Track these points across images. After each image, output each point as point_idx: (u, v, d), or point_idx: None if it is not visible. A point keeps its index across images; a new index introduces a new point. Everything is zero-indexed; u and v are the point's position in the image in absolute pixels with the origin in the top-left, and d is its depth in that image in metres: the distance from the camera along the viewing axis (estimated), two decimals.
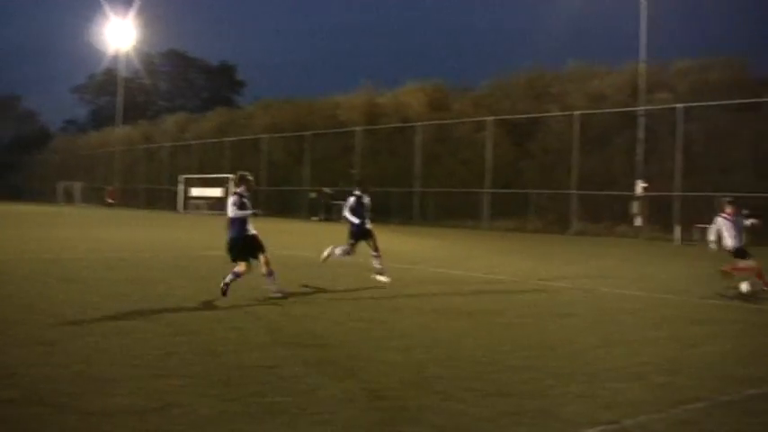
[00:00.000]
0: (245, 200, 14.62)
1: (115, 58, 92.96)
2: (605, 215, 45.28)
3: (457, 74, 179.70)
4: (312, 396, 7.63)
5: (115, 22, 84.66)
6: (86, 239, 28.95)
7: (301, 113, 67.40)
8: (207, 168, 70.94)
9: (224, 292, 13.97)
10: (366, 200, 18.05)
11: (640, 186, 42.11)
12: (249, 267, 14.34)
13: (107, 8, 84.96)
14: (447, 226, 49.09)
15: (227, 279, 14.12)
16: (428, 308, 13.81)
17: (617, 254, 29.93)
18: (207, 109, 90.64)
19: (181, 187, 72.22)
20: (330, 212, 56.31)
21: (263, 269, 14.46)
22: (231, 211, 14.45)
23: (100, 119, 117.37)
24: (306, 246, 28.59)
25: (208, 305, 13.39)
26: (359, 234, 17.91)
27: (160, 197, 79.60)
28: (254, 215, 14.81)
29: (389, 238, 33.69)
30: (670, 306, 15.28)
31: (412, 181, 54.05)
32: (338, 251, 18.26)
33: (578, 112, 46.27)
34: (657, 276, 21.53)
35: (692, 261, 27.03)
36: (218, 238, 32.33)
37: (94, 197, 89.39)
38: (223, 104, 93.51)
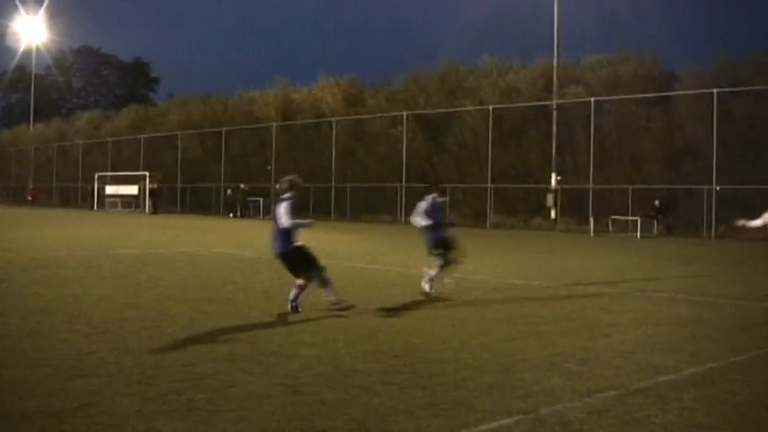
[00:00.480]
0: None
1: (27, 54, 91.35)
2: (521, 208, 45.83)
3: (371, 69, 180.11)
4: (229, 392, 7.64)
5: (26, 17, 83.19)
6: None
7: (217, 110, 67.03)
8: (122, 166, 70.23)
9: (294, 309, 12.69)
10: (441, 202, 15.87)
11: (555, 179, 42.64)
12: (310, 279, 12.90)
13: (17, 3, 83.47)
14: (364, 221, 49.24)
15: (292, 296, 12.83)
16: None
17: (532, 246, 30.31)
18: (121, 106, 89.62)
19: (96, 185, 71.25)
20: (247, 209, 56.12)
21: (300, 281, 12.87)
22: (286, 220, 12.70)
23: (12, 116, 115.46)
24: (226, 243, 28.47)
25: (125, 304, 13.26)
26: (440, 241, 15.33)
27: (75, 195, 78.52)
28: (309, 226, 13.33)
29: (306, 235, 33.68)
30: (584, 297, 15.52)
31: (328, 176, 54.04)
32: (433, 272, 15.10)
33: (492, 107, 46.67)
34: (572, 268, 21.85)
35: (606, 252, 27.48)
36: (133, 235, 32.17)
37: (7, 196, 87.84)
38: (137, 101, 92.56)
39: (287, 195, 12.97)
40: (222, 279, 17.29)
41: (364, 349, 9.86)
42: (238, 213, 56.01)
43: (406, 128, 50.72)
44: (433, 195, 15.51)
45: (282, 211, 12.74)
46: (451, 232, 15.70)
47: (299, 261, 12.86)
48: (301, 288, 12.80)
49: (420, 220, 15.25)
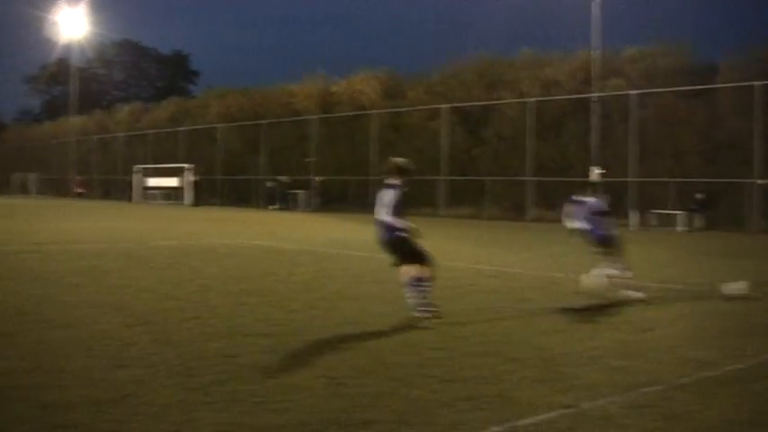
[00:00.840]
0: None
1: (68, 47, 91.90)
2: (561, 201, 45.50)
3: (410, 62, 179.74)
4: (272, 384, 7.66)
5: (67, 11, 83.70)
6: (40, 231, 28.68)
7: (255, 102, 67.14)
8: (162, 158, 70.46)
9: (429, 311, 11.21)
10: (601, 202, 14.64)
11: (596, 172, 42.37)
12: (429, 267, 11.45)
13: None
14: (404, 214, 49.09)
15: (419, 302, 11.26)
16: (385, 296, 13.84)
17: (572, 240, 30.06)
18: (161, 98, 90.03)
19: (136, 177, 71.66)
20: (287, 201, 56.16)
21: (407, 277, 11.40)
22: (387, 214, 11.27)
23: (54, 109, 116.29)
24: (267, 235, 28.51)
25: (166, 295, 13.34)
26: (604, 239, 14.30)
27: (115, 187, 78.98)
28: (411, 232, 11.42)
29: (346, 227, 33.74)
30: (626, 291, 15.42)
31: (368, 169, 53.97)
32: (611, 272, 14.04)
33: (533, 99, 46.45)
34: None
35: (648, 246, 27.25)
36: (174, 227, 32.32)
37: (49, 188, 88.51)
38: (177, 94, 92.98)
39: (394, 182, 11.48)
40: (263, 271, 17.34)
41: (404, 342, 9.86)
42: (278, 205, 56.09)
43: (445, 120, 50.62)
44: (591, 196, 14.77)
45: (386, 200, 11.28)
46: (613, 230, 14.70)
47: (408, 251, 11.36)
48: (417, 280, 11.29)
49: (575, 223, 14.48)
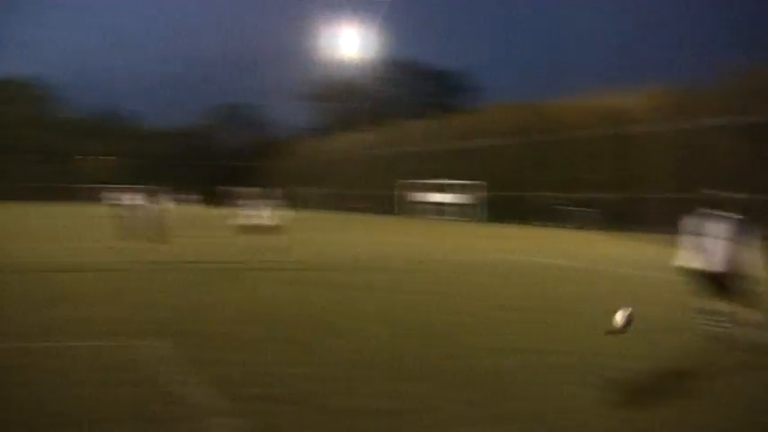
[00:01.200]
0: None
1: (349, 66, 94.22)
2: None
3: (692, 75, 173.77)
4: (553, 402, 7.73)
5: (348, 30, 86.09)
6: (329, 243, 29.64)
7: (532, 117, 66.66)
8: (436, 174, 70.98)
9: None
10: None
11: None
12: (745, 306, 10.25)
13: (340, 16, 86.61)
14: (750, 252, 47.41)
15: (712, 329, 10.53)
16: (676, 318, 13.44)
17: None
18: (437, 115, 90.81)
19: (405, 192, 72.76)
20: (564, 218, 55.47)
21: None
22: (725, 245, 10.23)
23: (332, 125, 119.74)
24: (543, 252, 28.32)
25: (450, 309, 13.62)
26: None
27: (388, 202, 79.44)
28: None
29: (625, 245, 33.17)
30: None
31: (646, 186, 52.76)
32: None
33: None
34: None
35: None
36: (452, 242, 32.62)
37: (324, 201, 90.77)
38: (453, 110, 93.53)
39: (733, 216, 10.38)
40: (546, 288, 17.11)
41: (686, 369, 9.63)
42: (555, 222, 55.55)
43: (729, 136, 48.80)
44: None
45: (728, 233, 10.24)
46: None
47: (732, 289, 10.24)
48: (719, 314, 10.41)
49: None
